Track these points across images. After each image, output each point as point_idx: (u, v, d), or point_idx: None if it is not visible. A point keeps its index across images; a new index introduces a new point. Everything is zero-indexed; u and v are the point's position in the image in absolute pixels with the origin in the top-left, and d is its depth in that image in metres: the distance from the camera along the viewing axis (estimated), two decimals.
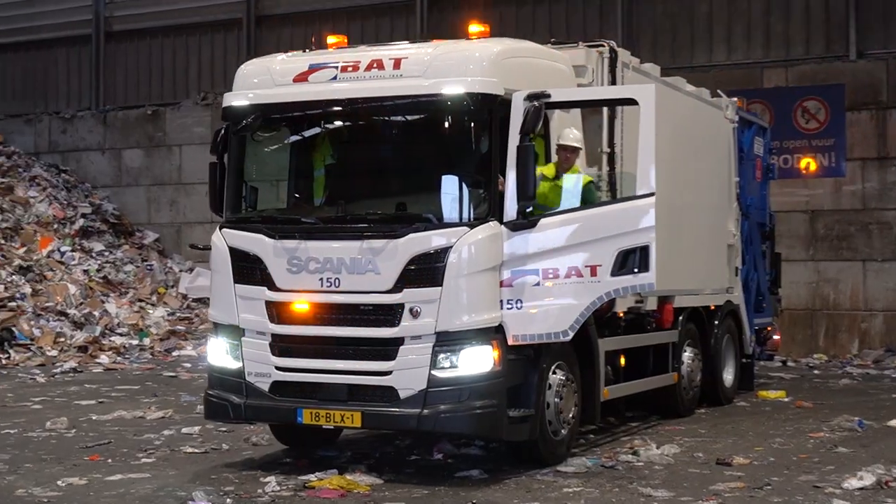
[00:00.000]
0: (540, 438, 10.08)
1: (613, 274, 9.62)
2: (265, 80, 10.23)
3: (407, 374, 9.47)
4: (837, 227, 22.25)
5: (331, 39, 10.84)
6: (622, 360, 11.94)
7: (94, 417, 13.40)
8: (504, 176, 9.52)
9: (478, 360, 9.43)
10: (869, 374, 19.42)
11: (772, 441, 11.81)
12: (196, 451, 11.11)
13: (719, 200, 14.71)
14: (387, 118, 9.98)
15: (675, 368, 13.28)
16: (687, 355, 13.70)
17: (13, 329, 21.50)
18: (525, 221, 9.56)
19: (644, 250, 9.59)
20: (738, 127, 15.47)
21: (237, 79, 10.41)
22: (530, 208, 9.58)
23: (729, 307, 15.05)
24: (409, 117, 9.86)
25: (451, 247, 9.35)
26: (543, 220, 9.64)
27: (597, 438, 11.94)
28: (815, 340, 22.27)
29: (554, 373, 10.28)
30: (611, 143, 11.46)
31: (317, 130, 10.40)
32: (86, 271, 24.91)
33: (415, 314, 9.42)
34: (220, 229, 10.29)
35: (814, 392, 16.59)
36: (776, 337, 17.35)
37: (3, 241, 24.67)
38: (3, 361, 20.23)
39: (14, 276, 23.38)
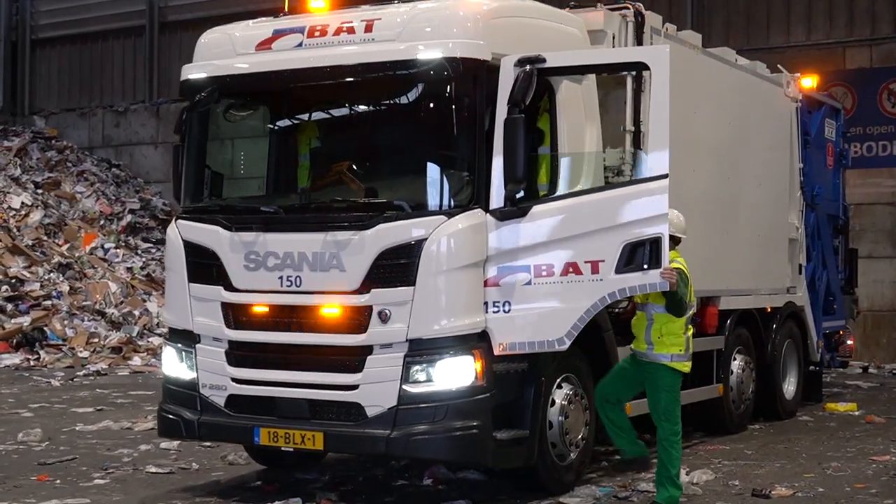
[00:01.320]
0: (540, 464, 8.61)
1: (619, 271, 8.13)
2: (226, 49, 8.91)
3: (375, 388, 8.08)
4: None
5: (315, 2, 9.49)
6: None
7: (77, 428, 12.26)
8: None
9: (457, 373, 8.00)
10: None
11: (826, 465, 10.16)
12: (160, 471, 9.85)
13: (778, 189, 13.03)
14: (355, 90, 8.57)
15: (720, 379, 11.66)
16: (736, 364, 12.07)
17: (45, 329, 20.67)
18: (515, 209, 8.09)
19: (655, 243, 8.08)
20: (802, 107, 13.73)
21: (197, 49, 9.11)
22: (521, 193, 8.08)
23: (790, 309, 13.35)
24: (380, 88, 8.45)
25: (426, 239, 7.93)
26: (536, 208, 8.17)
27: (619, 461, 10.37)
28: None
29: (559, 387, 8.82)
30: (636, 121, 9.89)
31: (279, 106, 9.05)
32: (129, 269, 23.99)
33: (384, 318, 8.02)
34: (176, 221, 9.00)
35: (891, 404, 14.81)
36: (849, 342, 15.55)
37: (45, 238, 23.87)
38: (32, 363, 19.38)
39: (52, 274, 22.53)
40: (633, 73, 9.41)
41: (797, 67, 16.34)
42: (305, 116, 9.07)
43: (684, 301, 8.36)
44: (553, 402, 8.74)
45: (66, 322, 21.13)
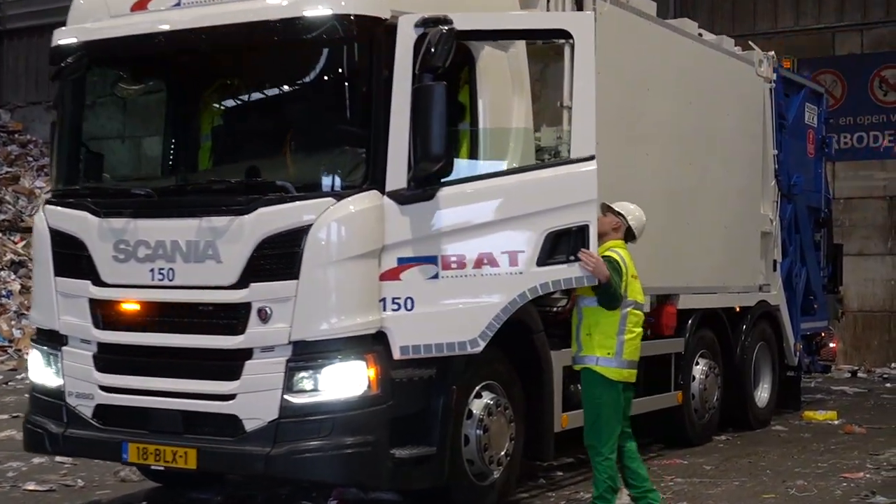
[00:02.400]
0: (454, 484, 7.49)
1: (541, 263, 7.11)
2: (100, 11, 7.78)
3: (254, 398, 6.96)
4: None
5: None
6: None
7: None
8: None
9: (346, 381, 6.87)
10: None
11: (791, 484, 9.04)
12: (39, 488, 8.77)
13: (749, 177, 11.91)
14: (237, 54, 7.46)
15: (679, 386, 10.53)
16: (699, 369, 10.94)
17: None
18: (419, 192, 6.97)
19: (581, 231, 7.12)
20: (777, 88, 12.59)
21: (71, 12, 8.00)
22: (433, 172, 6.92)
23: (763, 309, 12.23)
24: (262, 51, 7.33)
25: (311, 225, 6.80)
26: (445, 191, 7.04)
27: (564, 478, 9.29)
28: (893, 347, 19.30)
29: (478, 396, 7.70)
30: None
31: (154, 73, 7.94)
32: None
33: (264, 317, 6.91)
34: (44, 206, 7.90)
35: (876, 412, 13.68)
36: (832, 345, 14.42)
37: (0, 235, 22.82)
38: None
39: (3, 272, 21.46)
40: (562, 41, 8.28)
41: (785, 54, 15.29)
42: (182, 84, 7.93)
43: (617, 292, 7.29)
44: (470, 414, 7.62)
45: (13, 322, 20.06)
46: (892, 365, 18.99)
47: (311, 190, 6.95)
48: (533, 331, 8.14)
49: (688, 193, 10.52)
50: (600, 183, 8.86)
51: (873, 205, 19.51)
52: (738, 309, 11.72)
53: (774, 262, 12.47)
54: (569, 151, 8.53)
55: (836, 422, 12.60)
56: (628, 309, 7.47)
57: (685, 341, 10.58)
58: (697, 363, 10.92)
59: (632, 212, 7.83)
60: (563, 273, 7.13)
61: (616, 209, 7.82)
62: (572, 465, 9.71)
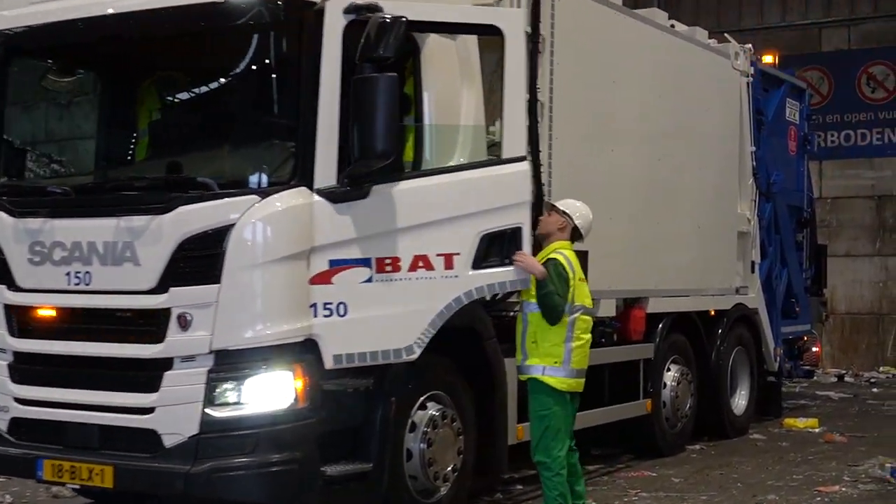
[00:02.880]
0: (395, 502, 7.00)
1: (476, 266, 6.84)
2: None
3: (173, 412, 6.45)
4: None
5: None
6: None
7: None
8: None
9: (272, 393, 6.37)
10: None
11: (762, 498, 8.56)
12: None
13: (724, 175, 11.40)
14: (160, 42, 6.92)
15: (649, 394, 10.01)
16: (670, 376, 10.44)
17: None
18: (352, 190, 6.48)
19: (515, 234, 6.96)
20: (755, 83, 12.10)
21: None
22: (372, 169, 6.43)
23: (740, 312, 11.72)
24: (188, 39, 6.80)
25: (234, 224, 6.29)
26: (379, 189, 6.57)
27: (524, 491, 8.80)
28: (881, 350, 18.79)
29: (422, 408, 7.20)
30: (531, 88, 8.26)
31: (73, 62, 7.43)
32: None
33: (184, 324, 6.40)
34: None
35: (860, 419, 13.18)
36: (815, 349, 13.93)
37: None
38: None
39: None
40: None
41: (771, 51, 14.81)
42: (102, 74, 7.42)
43: (554, 299, 6.89)
44: (413, 427, 7.12)
45: None
46: (881, 368, 18.51)
47: (235, 187, 6.45)
48: (483, 337, 7.65)
49: (658, 191, 10.01)
50: (559, 180, 8.51)
51: (861, 204, 19.04)
52: (712, 312, 11.22)
53: (752, 263, 11.97)
54: (526, 147, 8.18)
55: (817, 429, 12.10)
56: (576, 314, 7.05)
57: (655, 346, 10.08)
58: (669, 369, 10.42)
59: (578, 210, 7.42)
60: (499, 276, 6.96)
61: (561, 208, 7.41)
62: (535, 477, 9.18)
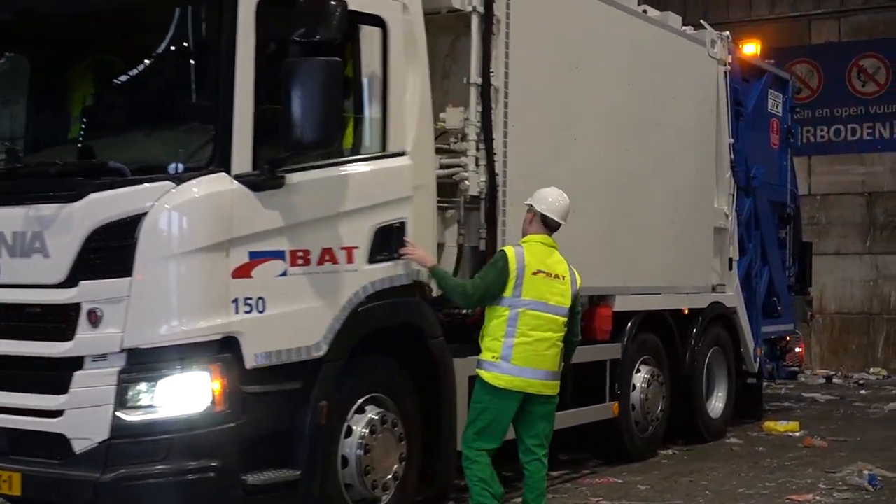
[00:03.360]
0: None
1: (371, 260, 6.69)
2: None
3: (83, 415, 5.98)
4: None
5: None
6: None
7: None
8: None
9: (187, 396, 5.90)
10: None
11: None
12: None
13: (700, 167, 10.93)
14: (72, 22, 6.46)
15: (616, 396, 9.52)
16: (641, 377, 9.96)
17: None
18: (272, 177, 6.04)
19: (400, 229, 6.83)
20: (734, 72, 11.63)
21: None
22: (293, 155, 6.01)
23: (717, 311, 11.24)
24: (101, 19, 6.36)
25: (146, 213, 5.83)
26: (294, 178, 6.17)
27: None
28: (872, 351, 18.31)
29: (360, 411, 6.74)
30: (485, 72, 7.81)
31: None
32: None
33: (95, 321, 5.93)
34: None
35: (844, 423, 12.70)
36: (798, 349, 13.43)
37: None
38: None
39: None
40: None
41: (752, 40, 14.35)
42: (15, 53, 6.96)
43: (445, 282, 6.88)
44: (349, 432, 6.66)
45: None
46: (871, 370, 18.03)
47: (149, 172, 6.00)
48: (428, 336, 7.20)
49: (626, 183, 9.54)
50: (516, 169, 8.04)
51: (851, 201, 18.57)
52: (686, 311, 10.73)
53: (730, 260, 11.47)
54: (477, 134, 7.78)
55: (797, 433, 11.62)
56: (520, 309, 6.61)
57: (623, 346, 9.60)
58: (638, 371, 9.94)
59: (542, 198, 6.97)
60: (390, 271, 6.77)
61: (527, 201, 7.01)
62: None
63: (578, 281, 6.90)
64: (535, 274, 6.67)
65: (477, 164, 7.78)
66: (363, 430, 6.70)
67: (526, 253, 6.73)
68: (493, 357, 6.59)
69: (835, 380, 17.29)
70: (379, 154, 6.79)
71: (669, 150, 10.29)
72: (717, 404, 11.42)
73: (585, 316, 9.05)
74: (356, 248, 6.52)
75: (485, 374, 6.62)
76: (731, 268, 11.49)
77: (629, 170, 9.61)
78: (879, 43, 18.42)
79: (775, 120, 13.14)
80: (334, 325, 6.37)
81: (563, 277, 6.78)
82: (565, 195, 7.01)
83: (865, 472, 8.88)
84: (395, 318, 6.96)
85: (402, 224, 6.80)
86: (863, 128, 18.55)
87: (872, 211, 18.40)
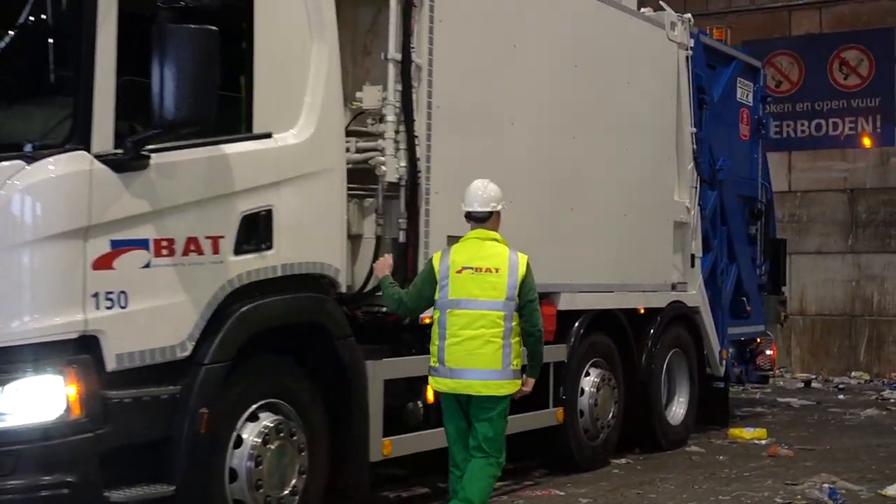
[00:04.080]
0: None
1: (237, 251, 5.98)
2: None
3: None
4: (884, 211, 17.64)
5: None
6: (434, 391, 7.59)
7: None
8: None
9: (38, 402, 5.22)
10: None
11: None
12: None
13: (657, 158, 10.25)
14: None
15: (561, 402, 8.85)
16: (590, 381, 9.29)
17: None
18: (136, 158, 5.38)
19: (267, 217, 6.13)
20: (698, 58, 10.97)
21: None
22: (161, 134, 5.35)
23: (677, 311, 10.57)
24: None
25: None
26: (160, 157, 5.50)
27: None
28: (854, 354, 17.63)
29: (253, 419, 6.07)
30: (405, 47, 7.15)
31: None
32: None
33: None
34: None
35: (815, 430, 12.03)
36: (769, 352, 12.71)
37: None
38: None
39: None
40: None
41: (736, 35, 13.76)
42: None
43: (385, 291, 6.54)
44: (239, 442, 5.99)
45: None
46: (852, 374, 17.35)
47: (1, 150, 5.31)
48: (335, 336, 6.53)
49: (571, 173, 8.88)
50: (441, 155, 7.39)
51: (832, 198, 17.90)
52: (642, 310, 10.05)
53: (692, 256, 10.81)
54: (397, 115, 7.14)
55: (763, 441, 10.95)
56: (448, 310, 6.29)
57: (569, 348, 8.92)
58: (588, 374, 9.27)
59: (464, 196, 6.53)
60: (255, 264, 6.04)
61: None
62: (426, 497, 8.12)
63: (522, 269, 6.39)
64: (459, 272, 6.29)
65: (396, 149, 7.13)
66: (255, 440, 6.04)
67: (453, 252, 6.38)
68: (433, 362, 6.34)
69: (814, 384, 16.63)
70: (245, 136, 6.08)
71: (622, 139, 9.63)
72: (677, 410, 10.75)
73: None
74: (222, 237, 5.84)
75: (430, 380, 6.46)
76: (693, 265, 10.83)
77: (575, 158, 8.95)
78: (862, 34, 17.76)
79: (745, 110, 12.47)
80: (200, 322, 5.71)
81: (497, 270, 6.31)
82: (486, 182, 6.52)
83: (826, 486, 8.21)
84: (292, 315, 6.32)
85: (269, 212, 6.10)
86: (845, 122, 17.89)
87: (855, 208, 17.74)
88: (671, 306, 10.44)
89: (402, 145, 7.15)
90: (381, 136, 7.11)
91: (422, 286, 6.39)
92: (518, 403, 7.64)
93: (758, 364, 12.69)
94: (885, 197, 17.55)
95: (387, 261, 6.68)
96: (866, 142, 17.72)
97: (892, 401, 14.65)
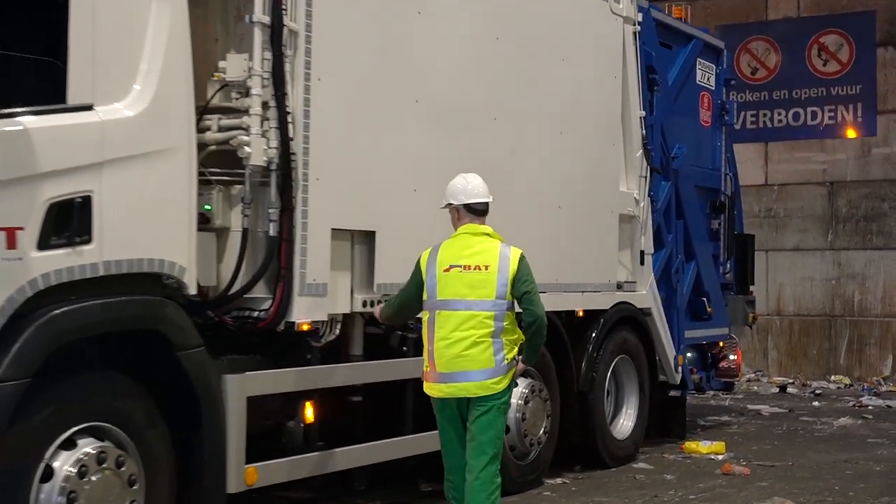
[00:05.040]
0: None
1: (42, 246, 4.96)
2: None
3: None
4: (866, 205, 16.63)
5: None
6: (315, 409, 6.60)
7: None
8: None
9: None
10: (892, 406, 13.69)
11: None
12: None
13: (596, 144, 9.24)
14: None
15: None
16: (518, 392, 8.22)
17: None
18: None
19: (84, 205, 5.11)
20: (646, 33, 9.98)
21: None
22: None
23: (624, 312, 9.58)
24: None
25: None
26: None
27: None
28: (834, 357, 16.64)
29: (69, 446, 5.07)
30: (275, 9, 6.14)
31: None
32: None
33: None
34: None
35: (782, 442, 11.04)
36: (734, 357, 11.67)
37: None
38: None
39: None
40: None
41: (711, 20, 12.81)
42: None
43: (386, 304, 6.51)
44: (49, 474, 4.99)
45: None
46: (832, 378, 16.34)
47: None
48: (176, 346, 5.52)
49: (491, 158, 7.83)
50: (323, 134, 6.40)
51: (811, 192, 16.93)
52: (581, 313, 9.05)
53: (642, 253, 9.80)
54: (264, 87, 6.14)
55: (721, 456, 9.94)
56: (436, 311, 5.93)
57: None
58: (515, 385, 8.20)
59: (453, 190, 6.18)
60: (67, 260, 5.05)
61: (443, 202, 6.22)
62: None
63: (514, 265, 5.98)
64: (447, 270, 5.95)
65: (264, 127, 6.13)
66: (69, 471, 5.05)
67: (442, 250, 6.02)
68: (426, 367, 5.97)
69: (790, 389, 15.61)
70: (57, 107, 5.08)
71: (557, 122, 8.63)
72: (625, 423, 9.75)
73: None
74: (20, 228, 4.83)
75: (425, 386, 6.02)
76: (643, 262, 9.83)
77: (497, 143, 7.95)
78: (842, 18, 16.76)
79: (706, 94, 11.46)
80: None
81: (487, 267, 5.94)
82: (472, 175, 6.22)
83: None
84: (115, 322, 5.31)
85: (87, 199, 5.11)
86: (824, 111, 16.90)
87: (835, 202, 16.75)
88: (616, 308, 9.45)
89: (274, 123, 6.15)
90: (246, 112, 6.12)
91: (408, 287, 6.11)
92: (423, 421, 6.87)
93: (721, 370, 11.66)
94: (867, 190, 16.56)
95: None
96: (847, 132, 16.71)
97: (869, 408, 13.64)
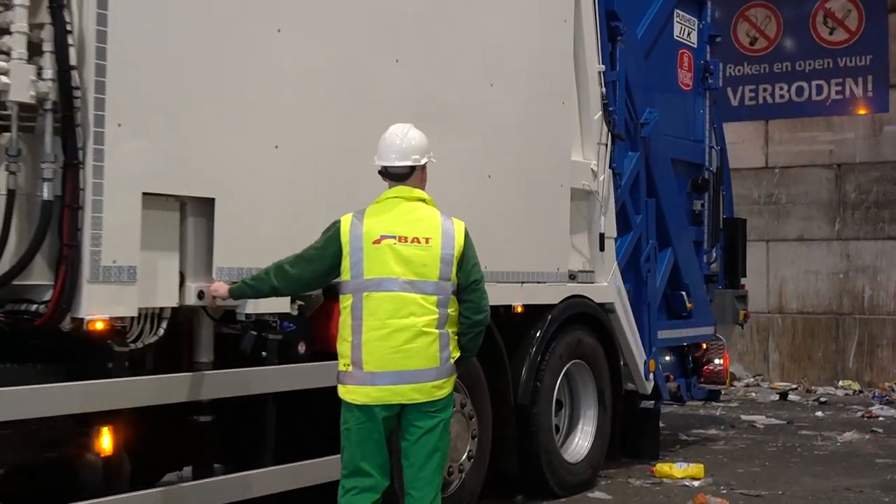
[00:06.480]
0: None
1: None
2: None
3: None
4: (877, 189, 14.98)
5: None
6: (124, 437, 4.97)
7: None
8: None
9: None
10: None
11: None
12: None
13: (540, 103, 7.58)
14: None
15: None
16: None
17: None
18: None
19: None
20: None
21: None
22: None
23: (578, 309, 7.92)
24: None
25: None
26: None
27: None
28: (842, 359, 14.98)
29: None
30: None
31: None
32: None
33: None
34: None
35: (774, 463, 9.33)
36: (719, 361, 9.94)
37: None
38: None
39: None
40: None
41: None
42: None
43: (260, 275, 5.13)
44: None
45: None
46: (840, 383, 14.66)
47: None
48: None
49: (389, 109, 6.13)
50: (131, 71, 4.75)
51: (816, 175, 15.30)
52: (519, 309, 7.35)
53: (602, 236, 8.12)
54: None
55: (698, 481, 8.25)
56: (364, 293, 4.88)
57: None
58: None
59: (378, 148, 5.13)
60: None
61: None
62: None
63: (459, 239, 5.04)
64: (377, 242, 4.92)
65: (31, 50, 4.47)
66: None
67: (368, 215, 4.98)
68: (345, 365, 4.90)
69: (792, 396, 13.90)
70: None
71: (483, 72, 6.96)
72: (580, 442, 8.07)
73: (315, 317, 5.89)
74: None
75: (339, 389, 4.92)
76: (602, 248, 8.14)
77: (407, 97, 6.26)
78: None
79: (686, 52, 9.77)
80: None
81: (427, 240, 4.97)
82: (406, 128, 5.11)
83: None
84: None
85: None
86: (831, 85, 15.25)
87: (843, 187, 15.09)
88: (568, 303, 7.77)
89: (49, 46, 4.50)
90: (6, 30, 4.46)
91: (316, 254, 4.96)
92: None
93: (705, 376, 9.94)
94: (878, 173, 14.89)
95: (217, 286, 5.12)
96: (856, 108, 15.06)
97: (880, 419, 11.93)
